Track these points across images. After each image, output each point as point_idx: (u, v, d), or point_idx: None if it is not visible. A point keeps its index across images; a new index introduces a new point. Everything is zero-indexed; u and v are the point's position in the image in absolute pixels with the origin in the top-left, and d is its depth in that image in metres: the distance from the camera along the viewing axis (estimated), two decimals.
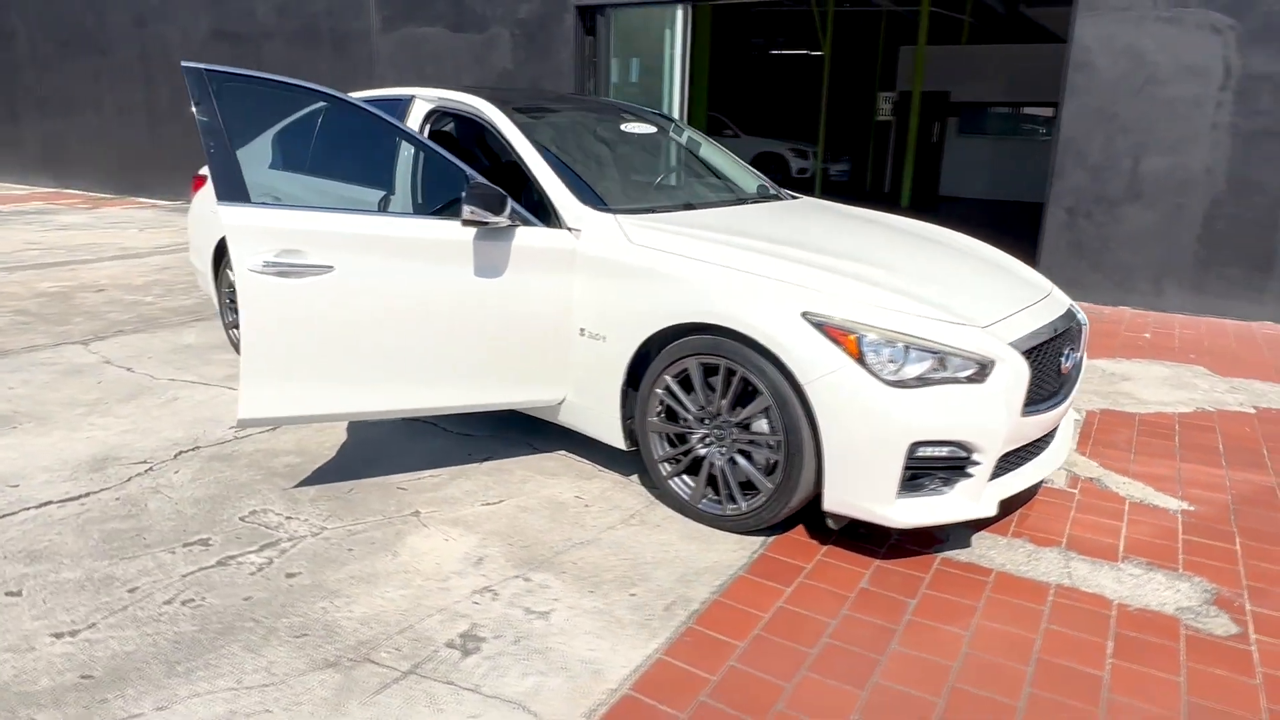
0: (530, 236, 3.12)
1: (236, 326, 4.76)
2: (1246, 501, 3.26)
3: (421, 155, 3.24)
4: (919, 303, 2.73)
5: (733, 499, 2.88)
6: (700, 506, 2.96)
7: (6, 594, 2.47)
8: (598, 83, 9.04)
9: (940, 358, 2.59)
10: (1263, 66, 6.12)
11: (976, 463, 2.63)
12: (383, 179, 3.36)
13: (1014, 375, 2.64)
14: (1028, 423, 2.76)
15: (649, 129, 4.23)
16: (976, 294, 2.95)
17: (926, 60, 16.13)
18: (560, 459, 3.53)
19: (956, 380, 2.59)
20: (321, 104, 3.22)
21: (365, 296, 2.96)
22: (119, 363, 4.71)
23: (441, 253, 3.04)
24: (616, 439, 3.19)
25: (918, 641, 2.35)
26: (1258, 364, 5.19)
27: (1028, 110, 16.28)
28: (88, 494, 3.11)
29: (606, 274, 3.07)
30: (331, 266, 2.92)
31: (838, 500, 2.66)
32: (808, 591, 2.58)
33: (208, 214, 4.81)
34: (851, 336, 2.60)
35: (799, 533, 2.93)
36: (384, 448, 3.60)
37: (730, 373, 2.79)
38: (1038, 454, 2.98)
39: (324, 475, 3.32)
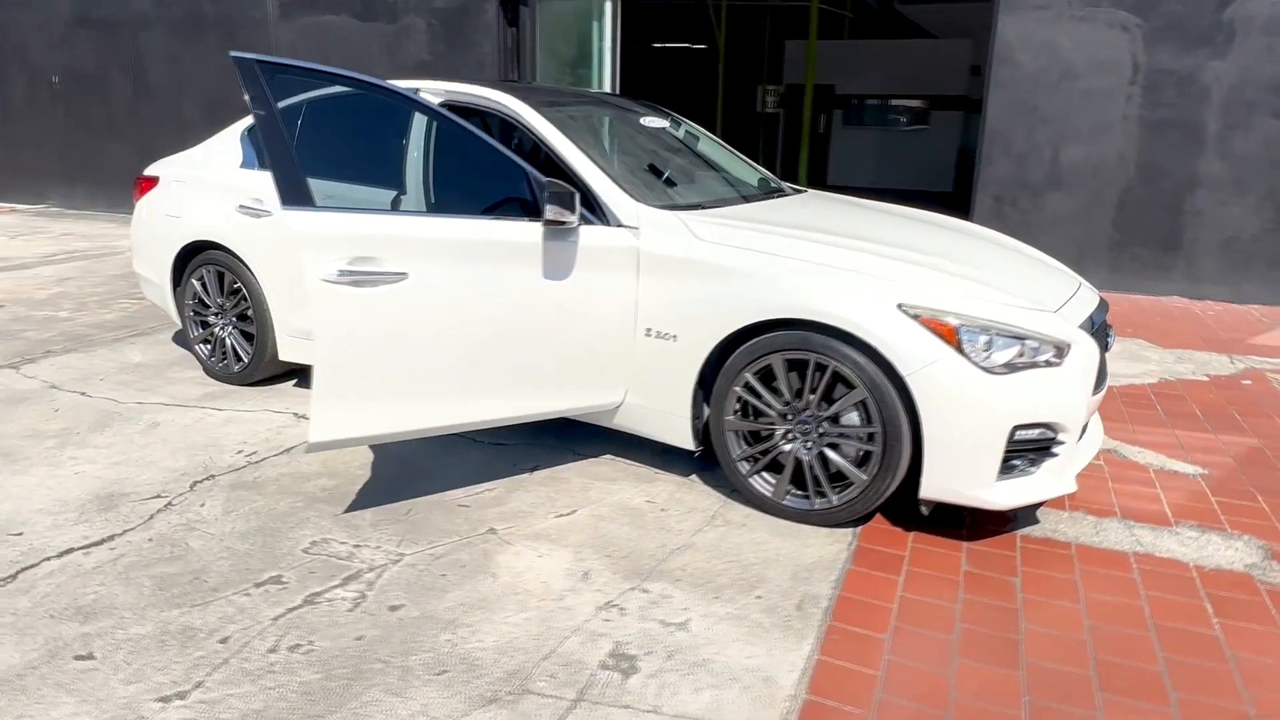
0: (592, 236, 3.02)
1: (207, 341, 4.37)
2: (1247, 463, 3.55)
3: (478, 151, 3.05)
4: (998, 290, 2.82)
5: (821, 493, 2.89)
6: (785, 503, 2.95)
7: (76, 658, 2.17)
8: (522, 76, 8.84)
9: (1025, 343, 2.68)
10: (1166, 62, 6.67)
11: (1061, 442, 2.75)
12: (430, 177, 3.15)
13: (1087, 357, 2.77)
14: (1094, 401, 2.91)
15: (663, 123, 4.17)
16: (1032, 282, 3.07)
17: (796, 51, 16.71)
18: (611, 463, 3.43)
19: (1038, 364, 2.69)
20: (362, 95, 2.96)
21: (439, 304, 2.77)
22: (67, 387, 4.23)
23: (513, 255, 2.89)
24: (685, 440, 3.13)
25: (1043, 619, 2.43)
26: (1186, 335, 5.67)
27: (906, 103, 17.10)
28: (112, 537, 2.78)
29: (676, 272, 3.01)
30: (405, 273, 2.72)
31: (938, 487, 2.72)
32: (919, 580, 2.62)
33: (162, 220, 4.38)
34: (949, 326, 2.66)
35: (880, 522, 2.98)
36: (420, 464, 3.39)
37: (821, 367, 2.80)
38: (1085, 432, 3.15)
39: (371, 497, 3.10)
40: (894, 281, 2.77)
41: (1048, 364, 2.71)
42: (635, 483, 3.26)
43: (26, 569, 2.59)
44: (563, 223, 2.87)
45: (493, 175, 3.05)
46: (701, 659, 2.22)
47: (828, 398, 2.84)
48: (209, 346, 4.38)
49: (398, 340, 2.72)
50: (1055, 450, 2.76)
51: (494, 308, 2.87)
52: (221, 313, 4.29)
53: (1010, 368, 2.66)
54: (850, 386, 2.78)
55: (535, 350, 2.97)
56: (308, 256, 2.61)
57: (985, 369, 2.63)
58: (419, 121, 3.16)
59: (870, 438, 2.77)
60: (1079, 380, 2.75)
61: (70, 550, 2.70)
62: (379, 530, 2.86)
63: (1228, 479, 3.39)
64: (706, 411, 3.10)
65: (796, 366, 2.87)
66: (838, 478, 2.88)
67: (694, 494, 3.18)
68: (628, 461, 3.45)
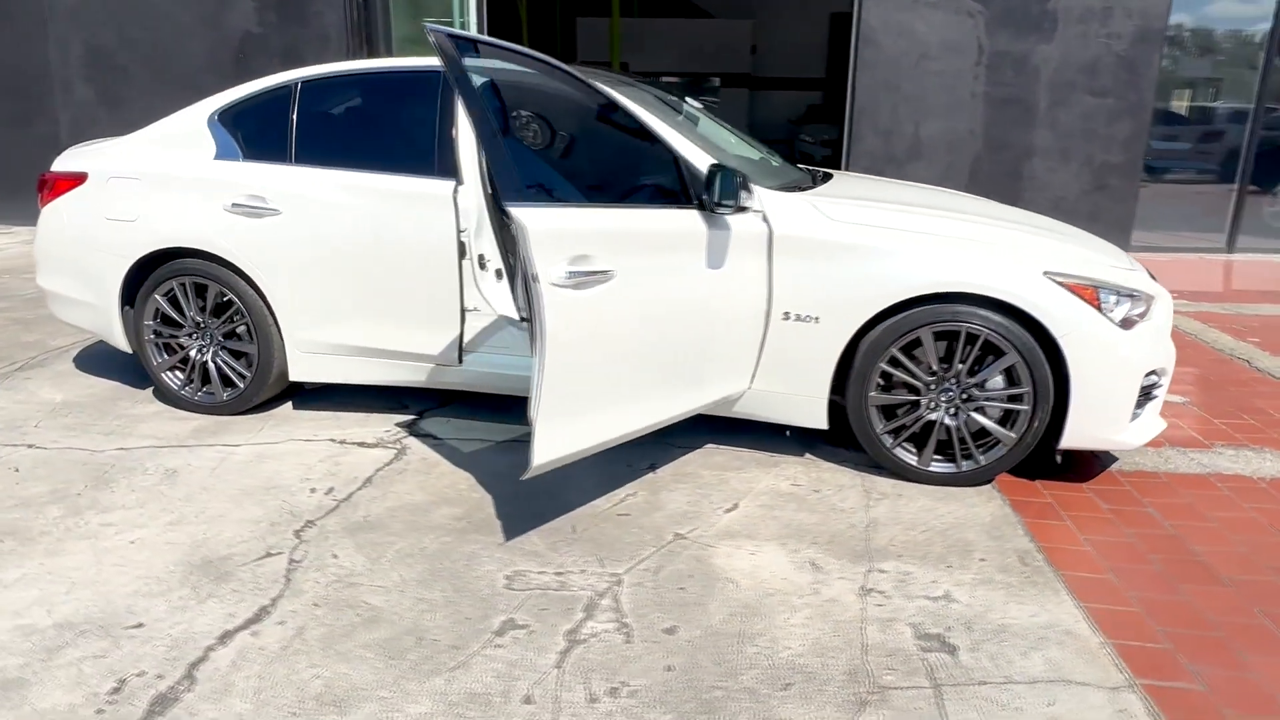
0: (736, 222, 2.93)
1: (178, 367, 3.68)
2: (1202, 390, 4.22)
3: (631, 137, 2.82)
4: (1100, 254, 3.13)
5: (969, 456, 3.05)
6: (930, 469, 3.09)
7: None
8: (374, 52, 8.15)
9: (1134, 299, 3.01)
10: (1005, 45, 7.56)
11: (1162, 385, 3.13)
12: (589, 164, 2.88)
13: (1168, 306, 3.16)
14: None
15: (697, 104, 4.08)
16: (1096, 246, 3.43)
17: (599, 32, 16.87)
18: (719, 452, 3.37)
19: (1141, 318, 3.03)
20: (531, 77, 2.66)
21: (636, 302, 2.58)
22: None
23: (686, 246, 2.75)
24: (818, 420, 3.16)
25: (1204, 539, 2.78)
26: None
27: (698, 80, 17.80)
28: (265, 609, 2.31)
29: (814, 254, 3.00)
30: (612, 271, 2.49)
31: (1080, 436, 2.98)
32: (1083, 523, 2.88)
33: (102, 226, 3.60)
34: (1089, 289, 2.91)
35: (1003, 477, 3.20)
36: (529, 480, 3.13)
37: (973, 337, 2.95)
38: None
39: (519, 521, 2.82)
40: (1033, 251, 2.98)
41: (1143, 316, 3.05)
42: (762, 468, 3.24)
43: (198, 664, 2.09)
44: (744, 208, 2.77)
45: (641, 161, 2.86)
46: (997, 625, 2.30)
47: (975, 364, 3.00)
48: (180, 373, 3.69)
49: (607, 344, 2.50)
50: (1156, 393, 3.13)
51: (672, 303, 2.71)
52: (200, 332, 3.63)
53: (1127, 322, 2.97)
54: (997, 352, 2.95)
55: (695, 343, 2.85)
56: (541, 258, 2.31)
57: (1118, 325, 2.92)
58: (575, 105, 2.86)
59: (1016, 398, 2.97)
60: (1166, 327, 3.13)
61: (229, 633, 2.21)
62: (564, 554, 2.62)
63: (1206, 404, 4.01)
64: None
65: (943, 337, 3.00)
66: (979, 439, 3.06)
67: (827, 472, 3.22)
68: (731, 448, 3.41)
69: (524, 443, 3.44)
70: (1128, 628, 2.29)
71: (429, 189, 3.29)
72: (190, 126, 3.60)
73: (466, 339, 3.40)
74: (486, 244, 3.32)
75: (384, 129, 3.43)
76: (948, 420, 3.06)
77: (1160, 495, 3.08)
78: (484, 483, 3.09)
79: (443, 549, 2.64)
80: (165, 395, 3.75)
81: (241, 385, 3.62)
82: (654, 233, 2.66)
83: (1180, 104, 8.31)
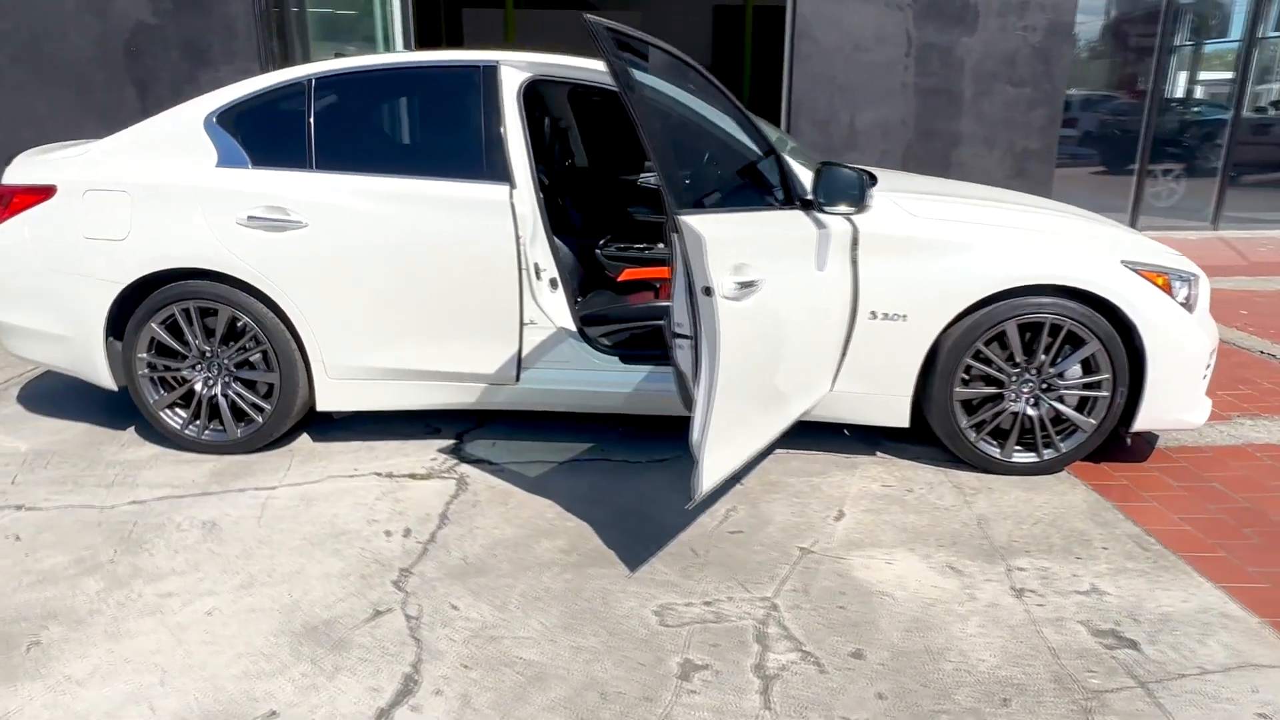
0: (832, 222, 2.84)
1: (180, 403, 3.25)
2: None
3: (732, 135, 2.66)
4: (1149, 240, 3.23)
5: (1049, 444, 3.09)
6: (1014, 460, 3.11)
7: None
8: (287, 43, 7.55)
9: (1189, 282, 3.13)
10: (932, 37, 7.81)
11: (1210, 364, 3.27)
12: (707, 165, 2.69)
13: (1207, 286, 3.31)
14: None
15: None
16: (1125, 230, 3.55)
17: (486, 23, 16.42)
18: (795, 456, 3.28)
19: (1195, 300, 3.15)
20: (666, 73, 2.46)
21: (774, 311, 2.43)
22: None
23: (804, 248, 2.62)
24: (901, 419, 3.13)
25: (1276, 508, 2.92)
26: None
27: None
28: (412, 679, 2.04)
29: (900, 251, 2.95)
30: (761, 281, 2.33)
31: (1153, 419, 3.07)
32: (1168, 502, 2.97)
33: (82, 247, 3.12)
34: (1163, 276, 3.00)
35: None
36: (610, 503, 2.94)
37: (1055, 327, 2.98)
38: None
39: (633, 549, 2.63)
40: (1105, 241, 3.04)
41: (1196, 298, 3.17)
42: (844, 471, 3.18)
43: None
44: (865, 208, 2.68)
45: (743, 160, 2.71)
46: (1159, 615, 2.32)
47: (1056, 355, 3.04)
48: (183, 411, 3.26)
49: (756, 358, 2.34)
50: (1206, 372, 3.27)
51: (793, 309, 2.58)
52: (207, 363, 3.21)
53: (1188, 305, 3.08)
54: (1076, 341, 3.00)
55: (804, 349, 2.74)
56: (716, 270, 2.12)
57: (1185, 308, 3.02)
58: (698, 104, 2.66)
59: (1093, 386, 3.03)
60: (1208, 307, 3.27)
61: (386, 711, 1.94)
62: (700, 580, 2.47)
63: None
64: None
65: (1025, 329, 3.01)
66: (1057, 427, 3.11)
67: (907, 470, 3.19)
68: (801, 451, 3.33)
69: (589, 461, 3.24)
70: (1271, 605, 2.37)
71: (483, 194, 3.03)
72: (182, 131, 3.16)
73: (524, 354, 3.16)
74: (540, 252, 3.09)
75: (420, 129, 3.13)
76: (1029, 411, 3.09)
77: (1214, 469, 3.23)
78: (571, 509, 2.88)
79: (569, 587, 2.43)
80: (165, 436, 3.30)
81: (259, 419, 3.23)
82: (787, 238, 2.53)
83: (1089, 91, 8.88)
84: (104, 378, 3.27)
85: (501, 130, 3.07)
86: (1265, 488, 3.07)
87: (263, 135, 3.13)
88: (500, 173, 3.05)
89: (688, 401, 2.44)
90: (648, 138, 2.08)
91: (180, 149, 3.15)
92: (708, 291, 2.05)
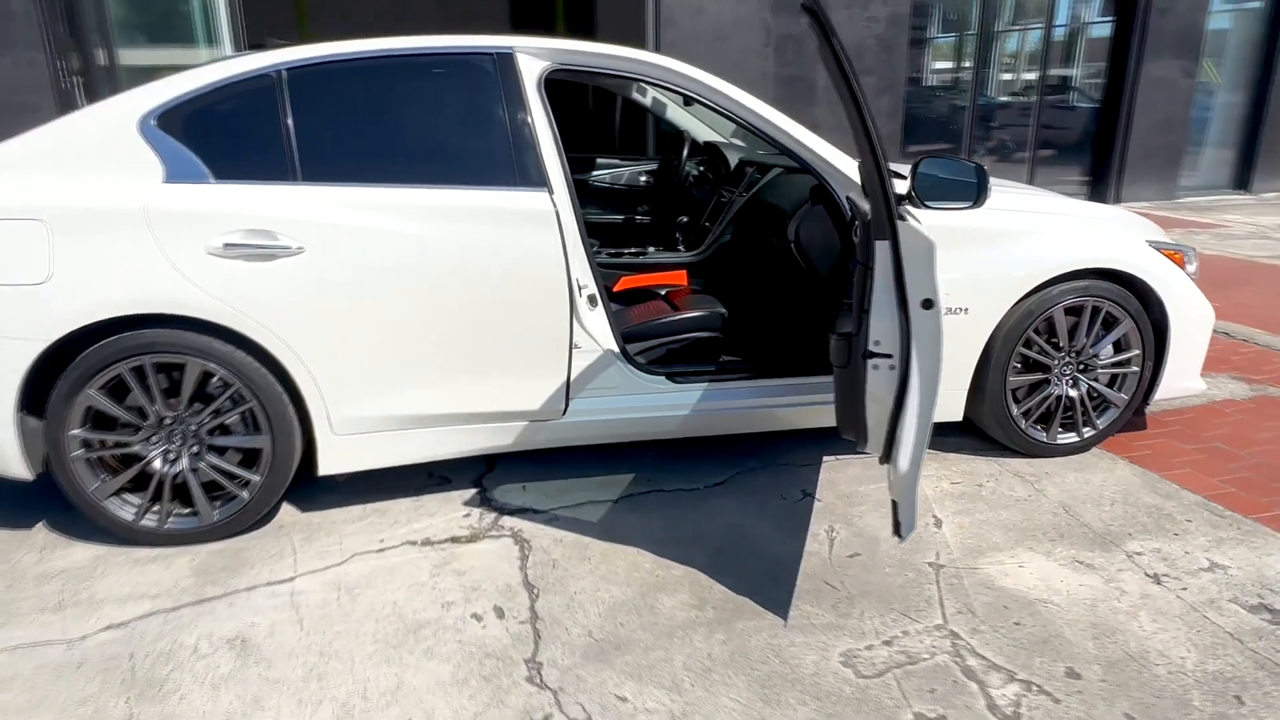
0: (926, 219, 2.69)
1: (134, 486, 2.53)
2: None
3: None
4: (1144, 219, 3.40)
5: (1088, 424, 3.17)
6: (1059, 442, 3.16)
7: None
8: (79, 29, 6.33)
9: (1191, 257, 3.31)
10: (787, 27, 7.96)
11: None
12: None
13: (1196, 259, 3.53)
14: None
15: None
16: None
17: (274, 2, 14.92)
18: (845, 464, 3.14)
19: (1196, 272, 3.34)
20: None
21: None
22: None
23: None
24: (956, 413, 3.07)
25: None
26: None
27: None
28: None
29: (959, 243, 2.87)
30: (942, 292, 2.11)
31: (1170, 388, 3.23)
32: (1202, 466, 3.12)
33: None
34: (1179, 254, 3.14)
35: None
36: (703, 543, 2.65)
37: (1096, 310, 3.04)
38: None
39: (762, 590, 2.36)
40: (1127, 223, 3.14)
41: (1195, 271, 3.37)
42: None
43: None
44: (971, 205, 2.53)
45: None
46: None
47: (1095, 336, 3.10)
48: (138, 496, 2.55)
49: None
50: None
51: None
52: (170, 432, 2.52)
53: (1194, 279, 3.27)
54: (1109, 321, 3.08)
55: None
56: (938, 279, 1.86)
57: (1194, 282, 3.20)
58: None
59: (1123, 363, 3.13)
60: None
61: None
62: (861, 618, 2.25)
63: None
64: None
65: (1069, 313, 3.05)
66: (1094, 406, 3.19)
67: (964, 464, 3.14)
68: (848, 456, 3.20)
69: (644, 495, 2.91)
70: None
71: (520, 202, 2.59)
72: (108, 137, 2.44)
73: (571, 383, 2.76)
74: (578, 265, 2.70)
75: (429, 129, 2.62)
76: (1070, 392, 3.14)
77: (1204, 429, 3.46)
78: (663, 554, 2.55)
79: (732, 650, 2.12)
80: (110, 530, 2.57)
81: (245, 495, 2.59)
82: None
83: (930, 77, 9.49)
84: (14, 465, 2.47)
85: (529, 127, 2.64)
86: (1256, 440, 3.33)
87: (224, 141, 2.49)
88: (535, 176, 2.63)
89: (855, 426, 2.19)
90: (870, 131, 1.81)
91: (109, 161, 2.43)
92: (928, 304, 1.83)
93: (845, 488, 2.97)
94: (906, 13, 8.33)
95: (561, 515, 2.78)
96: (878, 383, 1.94)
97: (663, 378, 2.87)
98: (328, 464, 2.65)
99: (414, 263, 2.53)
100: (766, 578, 2.43)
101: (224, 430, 2.57)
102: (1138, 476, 3.04)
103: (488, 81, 2.65)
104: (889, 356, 1.89)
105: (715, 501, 2.87)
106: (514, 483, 3.01)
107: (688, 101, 3.64)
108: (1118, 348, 3.13)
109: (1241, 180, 10.58)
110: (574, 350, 2.72)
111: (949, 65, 9.52)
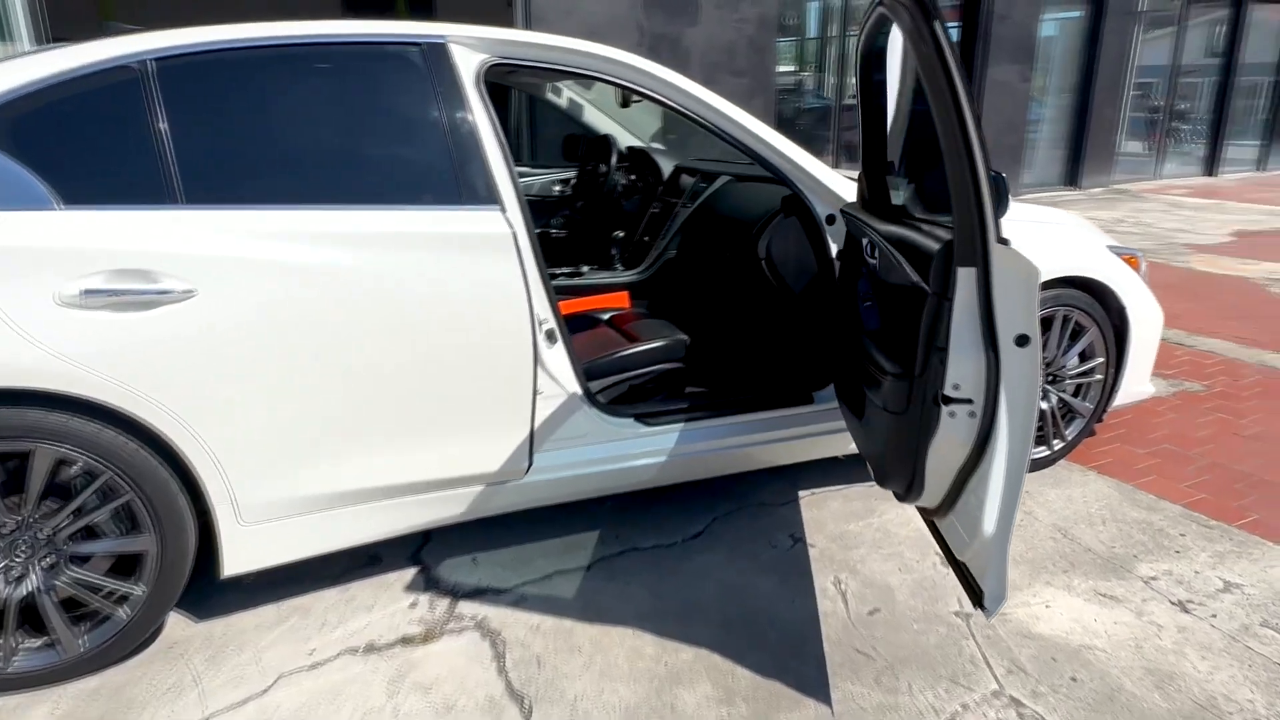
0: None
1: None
2: None
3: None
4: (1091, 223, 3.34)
5: (1057, 435, 3.06)
6: (1032, 456, 3.01)
7: None
8: None
9: (1142, 260, 3.27)
10: (661, 27, 7.72)
11: None
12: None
13: None
14: None
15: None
16: None
17: None
18: (823, 498, 2.87)
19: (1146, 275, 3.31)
20: None
21: None
22: None
23: None
24: None
25: (1231, 452, 3.19)
26: None
27: None
28: None
29: None
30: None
31: (1128, 393, 3.17)
32: (1164, 472, 3.09)
33: None
34: (1134, 258, 3.09)
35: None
36: (696, 614, 2.30)
37: (1065, 320, 2.92)
38: None
39: (787, 669, 2.04)
40: (1086, 228, 3.05)
41: (1145, 274, 3.34)
42: (886, 501, 2.84)
43: None
44: None
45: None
46: None
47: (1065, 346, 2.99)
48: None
49: None
50: None
51: None
52: (15, 542, 1.89)
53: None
54: (1077, 330, 2.98)
55: None
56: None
57: (1146, 285, 3.16)
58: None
59: (1089, 372, 3.05)
60: None
61: None
62: (911, 692, 1.96)
63: None
64: None
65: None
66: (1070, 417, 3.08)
67: None
68: (821, 490, 2.94)
69: (617, 558, 2.51)
70: None
71: (470, 224, 2.13)
72: None
73: (535, 435, 2.33)
74: (537, 295, 2.28)
75: (350, 137, 2.11)
76: (1041, 405, 3.02)
77: (1146, 430, 3.46)
78: (664, 633, 2.17)
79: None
80: None
81: (124, 613, 1.99)
82: None
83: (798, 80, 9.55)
84: None
85: (472, 131, 2.19)
86: (1198, 439, 3.35)
87: (72, 155, 1.89)
88: (483, 191, 2.17)
89: (904, 477, 1.87)
90: (968, 133, 1.50)
91: None
92: (1023, 341, 1.55)
93: (834, 527, 2.69)
94: (775, 15, 8.30)
95: (530, 594, 2.34)
96: (953, 432, 1.66)
97: (631, 420, 2.49)
98: (235, 561, 2.08)
99: (337, 305, 2.02)
100: (789, 651, 2.10)
101: (90, 534, 1.96)
102: (1113, 489, 2.95)
103: (417, 77, 2.17)
104: (969, 402, 1.62)
105: (700, 558, 2.52)
106: (461, 555, 2.53)
107: (625, 103, 3.29)
108: (1083, 357, 3.04)
109: (1071, 177, 11.38)
110: (537, 397, 2.29)
111: (815, 68, 9.64)
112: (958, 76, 1.49)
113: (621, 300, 3.16)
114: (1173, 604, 2.30)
